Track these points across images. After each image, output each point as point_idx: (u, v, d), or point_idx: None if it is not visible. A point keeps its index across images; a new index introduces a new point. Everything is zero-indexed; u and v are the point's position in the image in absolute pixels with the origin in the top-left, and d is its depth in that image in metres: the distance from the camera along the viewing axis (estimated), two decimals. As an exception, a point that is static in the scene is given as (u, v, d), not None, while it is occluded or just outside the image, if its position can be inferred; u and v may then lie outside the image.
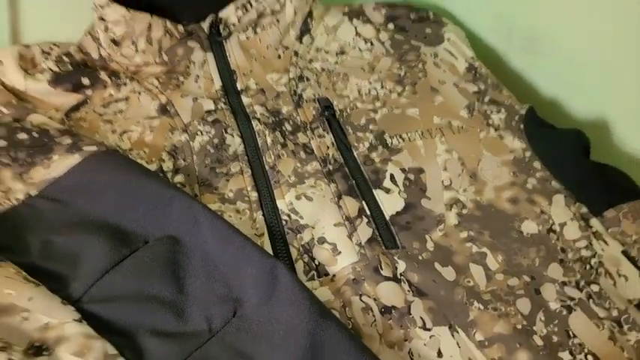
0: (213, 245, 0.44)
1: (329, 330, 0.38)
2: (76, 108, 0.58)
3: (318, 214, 0.48)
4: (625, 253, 0.46)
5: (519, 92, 0.66)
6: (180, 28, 0.63)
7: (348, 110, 0.58)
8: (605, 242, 0.47)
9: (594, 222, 0.48)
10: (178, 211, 0.46)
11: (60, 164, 0.48)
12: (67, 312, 0.38)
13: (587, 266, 0.45)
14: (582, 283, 0.44)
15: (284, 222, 0.48)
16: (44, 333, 0.37)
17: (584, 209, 0.49)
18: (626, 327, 0.42)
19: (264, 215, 0.48)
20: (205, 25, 0.64)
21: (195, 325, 0.40)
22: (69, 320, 0.37)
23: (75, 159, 0.48)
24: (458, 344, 0.41)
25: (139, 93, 0.60)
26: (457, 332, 0.41)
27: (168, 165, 0.53)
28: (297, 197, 0.49)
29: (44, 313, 0.37)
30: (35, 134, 0.51)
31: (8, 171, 0.47)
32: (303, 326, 0.38)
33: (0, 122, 0.52)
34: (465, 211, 0.50)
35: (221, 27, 0.64)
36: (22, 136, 0.51)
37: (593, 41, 0.59)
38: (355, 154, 0.54)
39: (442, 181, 0.52)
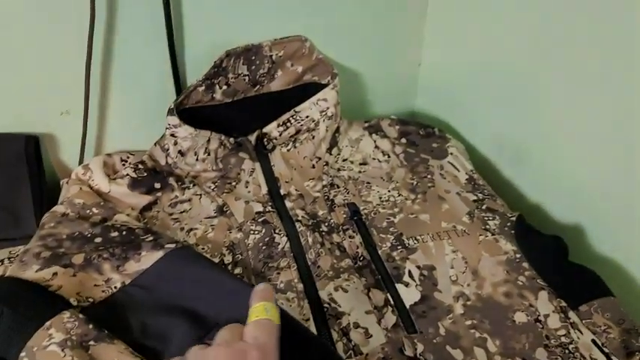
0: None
1: None
2: (148, 207, 0.71)
3: (353, 304, 0.60)
4: (594, 341, 0.57)
5: (510, 198, 0.80)
6: (232, 140, 0.77)
7: (372, 214, 0.71)
8: (580, 332, 0.59)
9: (572, 314, 0.60)
10: (244, 300, 0.57)
11: (147, 259, 0.60)
12: (166, 380, 0.49)
13: (567, 351, 0.57)
14: (563, 364, 0.56)
15: (325, 309, 0.60)
16: (151, 397, 0.48)
17: (564, 304, 0.61)
18: (597, 401, 0.53)
19: (309, 303, 0.60)
20: (252, 138, 0.78)
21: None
22: (168, 387, 0.48)
23: (159, 254, 0.60)
24: (466, 412, 0.52)
25: (200, 195, 0.72)
26: (465, 403, 0.53)
27: (228, 258, 0.65)
28: (336, 289, 0.61)
29: (150, 381, 0.49)
30: (124, 232, 0.63)
31: (108, 264, 0.59)
32: None
33: (93, 222, 0.65)
34: (469, 303, 0.62)
35: (265, 140, 0.78)
36: (114, 233, 0.63)
37: (569, 157, 0.72)
38: (380, 252, 0.67)
39: (450, 277, 0.64)
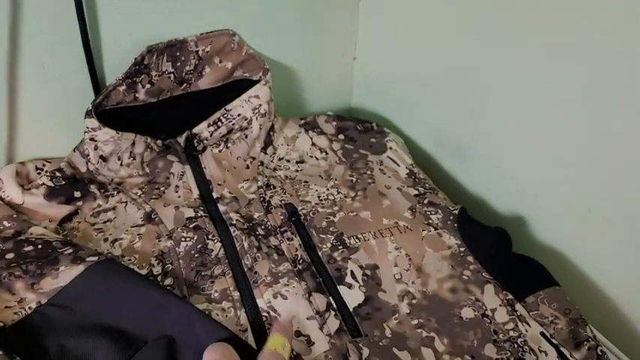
0: (205, 341, 0.51)
1: None
2: (68, 218, 0.65)
3: (294, 310, 0.57)
4: (542, 334, 0.56)
5: (451, 191, 0.78)
6: (159, 142, 0.72)
7: (311, 215, 0.68)
8: (528, 324, 0.57)
9: (518, 307, 0.59)
10: (174, 315, 0.53)
11: (66, 274, 0.54)
12: (88, 409, 0.44)
13: (516, 345, 0.55)
14: (512, 359, 0.54)
15: (264, 318, 0.56)
16: None
17: (510, 296, 0.60)
18: (548, 395, 0.52)
19: (246, 313, 0.56)
20: (181, 139, 0.73)
21: (195, 414, 0.47)
22: (91, 416, 0.44)
23: (79, 269, 0.55)
24: (416, 417, 0.50)
25: (126, 203, 0.67)
26: (415, 407, 0.50)
27: (157, 269, 0.60)
28: (274, 296, 0.58)
29: (70, 412, 0.43)
30: (39, 246, 0.57)
31: (21, 282, 0.53)
32: None
33: (5, 236, 0.59)
34: (414, 301, 0.59)
35: (195, 141, 0.73)
36: (28, 248, 0.57)
37: (509, 149, 0.72)
38: (320, 254, 0.63)
39: (394, 275, 0.62)
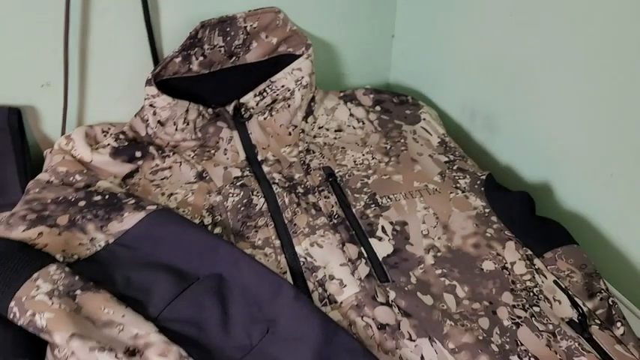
0: (249, 280, 0.58)
1: (339, 331, 0.52)
2: (130, 175, 0.73)
3: (328, 257, 0.63)
4: (556, 283, 0.61)
5: (481, 160, 0.83)
6: (210, 110, 0.79)
7: (347, 177, 0.74)
8: (545, 276, 0.62)
9: (537, 261, 0.64)
10: (222, 256, 0.60)
11: (130, 219, 0.62)
12: (150, 326, 0.52)
13: (531, 294, 0.60)
14: (527, 305, 0.59)
15: (302, 263, 0.62)
16: (135, 340, 0.50)
17: (530, 252, 0.65)
18: (559, 337, 0.56)
19: (286, 258, 0.63)
20: (230, 108, 0.80)
21: (239, 340, 0.54)
22: (152, 332, 0.51)
23: (140, 215, 0.63)
24: (436, 351, 0.55)
25: (180, 163, 0.75)
26: (435, 342, 0.56)
27: (207, 220, 0.67)
28: (311, 244, 0.64)
29: (134, 327, 0.51)
30: (106, 196, 0.66)
31: (92, 224, 0.61)
32: (317, 330, 0.52)
33: (77, 187, 0.67)
34: (439, 254, 0.65)
35: (242, 110, 0.80)
36: (97, 197, 0.65)
37: (537, 120, 0.76)
38: (354, 210, 0.69)
39: (421, 231, 0.67)
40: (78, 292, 0.53)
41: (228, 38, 0.80)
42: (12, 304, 0.51)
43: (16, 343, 0.50)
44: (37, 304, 0.50)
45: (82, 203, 0.64)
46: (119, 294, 0.55)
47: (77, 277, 0.54)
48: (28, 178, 0.69)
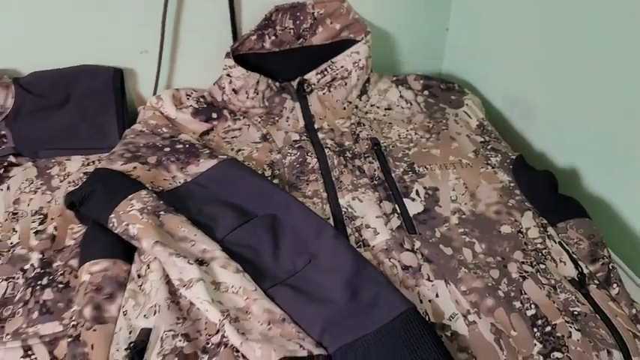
0: (298, 221, 0.70)
1: (368, 266, 0.63)
2: (206, 132, 0.86)
3: (366, 210, 0.74)
4: (562, 245, 0.69)
5: (516, 146, 0.91)
6: (277, 84, 0.92)
7: (391, 147, 0.85)
8: (554, 241, 0.71)
9: (550, 229, 0.72)
10: (278, 200, 0.72)
11: (204, 164, 0.75)
12: (215, 245, 0.64)
13: (540, 254, 0.69)
14: (535, 263, 0.68)
15: (343, 212, 0.74)
16: (204, 254, 0.63)
17: (544, 221, 0.73)
18: (559, 290, 0.65)
19: (330, 207, 0.74)
20: (294, 83, 0.92)
21: (286, 266, 0.66)
22: (217, 249, 0.64)
23: (213, 162, 0.75)
24: (449, 292, 0.65)
25: (249, 126, 0.88)
26: (449, 284, 0.66)
27: (267, 173, 0.80)
28: (353, 198, 0.75)
29: (203, 243, 0.64)
30: (187, 145, 0.79)
31: (174, 165, 0.75)
32: (350, 264, 0.63)
33: (164, 137, 0.81)
34: (463, 216, 0.74)
35: (305, 85, 0.92)
36: (179, 145, 0.79)
37: (571, 112, 0.84)
38: (393, 175, 0.80)
39: (450, 197, 0.77)
40: (162, 212, 0.66)
41: (298, 22, 0.92)
42: (112, 215, 0.65)
43: (115, 246, 0.64)
44: (131, 217, 0.64)
45: (167, 149, 0.78)
46: (192, 219, 0.68)
47: (161, 202, 0.67)
48: (125, 126, 0.83)
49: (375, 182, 0.79)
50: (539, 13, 0.84)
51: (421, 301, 0.64)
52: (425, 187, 0.78)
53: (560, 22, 0.81)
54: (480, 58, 1.03)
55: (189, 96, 0.90)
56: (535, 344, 0.60)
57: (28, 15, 0.82)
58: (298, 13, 0.91)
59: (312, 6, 0.91)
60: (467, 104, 0.95)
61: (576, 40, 0.79)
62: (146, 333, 0.57)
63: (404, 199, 0.76)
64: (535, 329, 0.61)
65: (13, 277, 0.64)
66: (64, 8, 0.83)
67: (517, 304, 0.64)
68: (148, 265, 0.63)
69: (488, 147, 0.86)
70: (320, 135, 0.86)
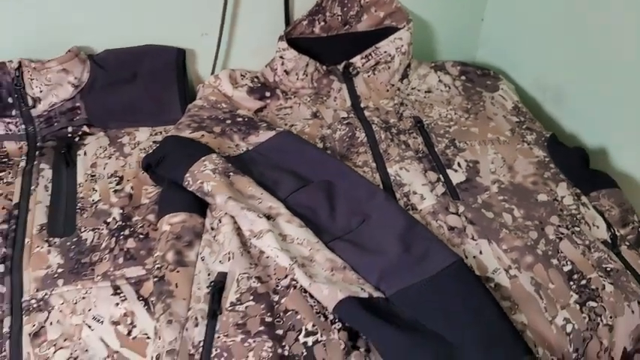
0: (351, 186, 0.76)
1: (418, 224, 0.69)
2: (260, 110, 0.93)
3: (412, 179, 0.80)
4: (596, 208, 0.75)
5: (549, 128, 0.97)
6: (324, 67, 0.98)
7: (432, 125, 0.91)
8: (588, 208, 0.77)
9: (583, 198, 0.78)
10: (331, 167, 0.78)
11: (263, 135, 0.82)
12: (279, 203, 0.71)
13: (575, 218, 0.75)
14: (570, 226, 0.74)
15: (392, 180, 0.80)
16: (270, 210, 0.70)
17: (578, 191, 0.79)
18: (592, 250, 0.71)
19: (380, 176, 0.81)
20: (341, 66, 0.99)
21: (342, 225, 0.72)
22: (282, 207, 0.70)
23: (271, 133, 0.82)
24: (492, 249, 0.71)
25: (299, 104, 0.94)
26: (492, 243, 0.72)
27: (319, 145, 0.86)
28: (400, 168, 0.82)
29: (269, 201, 0.71)
30: (246, 119, 0.86)
31: (237, 135, 0.82)
32: (402, 221, 0.70)
33: (224, 111, 0.88)
34: (502, 186, 0.80)
35: (350, 68, 0.99)
36: (239, 119, 0.86)
37: (600, 96, 0.90)
38: (436, 149, 0.86)
39: (490, 169, 0.83)
40: (231, 173, 0.73)
41: (345, 9, 0.99)
42: (187, 175, 0.72)
43: (190, 201, 0.71)
44: (205, 175, 0.71)
45: (228, 121, 0.85)
46: (257, 181, 0.75)
47: (230, 164, 0.74)
48: (186, 102, 0.90)
49: (420, 155, 0.85)
50: (569, 2, 0.91)
51: (466, 257, 0.70)
52: (466, 160, 0.84)
53: (590, 10, 0.87)
54: (513, 46, 1.09)
55: (244, 76, 0.97)
56: (572, 295, 0.66)
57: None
58: (346, 1, 0.98)
59: (358, -6, 0.98)
60: (502, 88, 1.01)
61: (605, 27, 0.85)
62: (223, 275, 0.64)
63: (447, 170, 0.82)
64: (571, 282, 0.67)
65: (99, 228, 0.72)
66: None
67: (554, 261, 0.70)
68: (220, 220, 0.70)
69: (524, 127, 0.92)
70: (366, 113, 0.93)
